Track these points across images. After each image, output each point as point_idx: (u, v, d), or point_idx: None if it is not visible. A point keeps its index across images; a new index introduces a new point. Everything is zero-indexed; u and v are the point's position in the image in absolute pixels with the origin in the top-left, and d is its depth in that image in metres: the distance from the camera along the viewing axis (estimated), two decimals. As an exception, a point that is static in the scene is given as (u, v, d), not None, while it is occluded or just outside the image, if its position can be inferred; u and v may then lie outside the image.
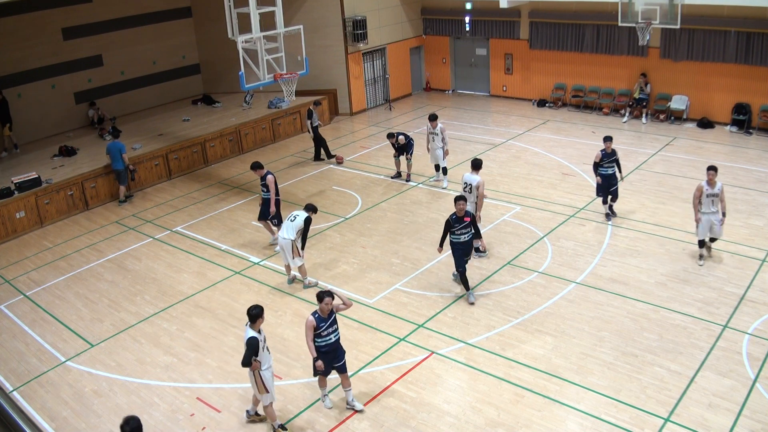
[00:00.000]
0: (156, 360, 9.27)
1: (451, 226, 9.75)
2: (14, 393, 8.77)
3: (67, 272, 12.12)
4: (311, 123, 16.49)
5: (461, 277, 10.10)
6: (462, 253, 9.90)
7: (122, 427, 5.90)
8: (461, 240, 9.81)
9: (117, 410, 8.25)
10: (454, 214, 9.75)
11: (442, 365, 8.69)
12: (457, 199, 9.78)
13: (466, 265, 10.07)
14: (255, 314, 7.38)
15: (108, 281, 11.69)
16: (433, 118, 14.27)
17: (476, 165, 11.49)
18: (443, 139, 14.17)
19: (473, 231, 9.90)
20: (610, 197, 12.35)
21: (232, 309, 10.46)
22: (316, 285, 10.91)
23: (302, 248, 10.63)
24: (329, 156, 16.94)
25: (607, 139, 12.09)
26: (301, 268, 10.78)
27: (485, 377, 8.38)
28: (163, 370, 9.02)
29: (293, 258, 10.57)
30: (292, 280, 11.09)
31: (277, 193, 11.94)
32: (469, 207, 11.04)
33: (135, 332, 9.97)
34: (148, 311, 10.58)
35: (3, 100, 16.58)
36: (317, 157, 16.93)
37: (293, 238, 10.41)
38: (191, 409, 8.24)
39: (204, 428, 7.91)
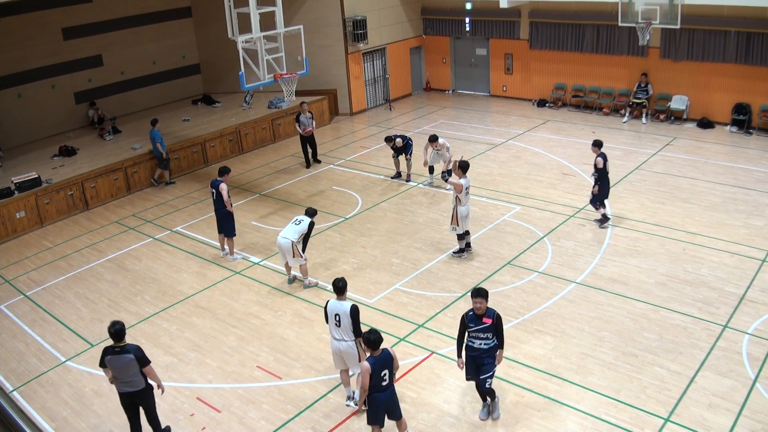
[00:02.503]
0: (156, 360, 9.24)
1: (465, 326, 7.35)
2: (14, 393, 8.77)
3: (67, 272, 12.12)
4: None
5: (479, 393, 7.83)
6: (474, 365, 7.44)
7: (108, 329, 7.03)
8: (474, 346, 7.34)
9: (117, 410, 8.23)
10: (471, 310, 7.36)
11: (442, 365, 8.69)
12: (475, 294, 7.26)
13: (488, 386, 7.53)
14: (342, 286, 7.64)
15: (108, 281, 11.69)
16: (433, 139, 14.11)
17: (465, 167, 11.36)
18: (449, 152, 14.17)
19: (496, 340, 7.35)
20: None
21: (232, 309, 10.47)
22: (316, 285, 10.93)
23: (303, 250, 10.68)
24: (308, 164, 16.68)
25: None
26: (302, 268, 10.79)
27: (485, 377, 8.37)
28: (163, 370, 9.01)
29: (294, 258, 10.59)
30: (293, 280, 11.11)
31: (222, 206, 11.84)
32: (466, 207, 11.04)
33: (135, 332, 9.97)
34: (148, 311, 10.58)
35: None
36: (309, 163, 16.70)
37: (295, 240, 10.45)
38: (191, 409, 8.25)
39: (204, 428, 7.91)
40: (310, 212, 10.86)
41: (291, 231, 10.50)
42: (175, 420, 8.04)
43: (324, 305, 7.79)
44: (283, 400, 8.26)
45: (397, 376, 8.41)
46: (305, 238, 10.68)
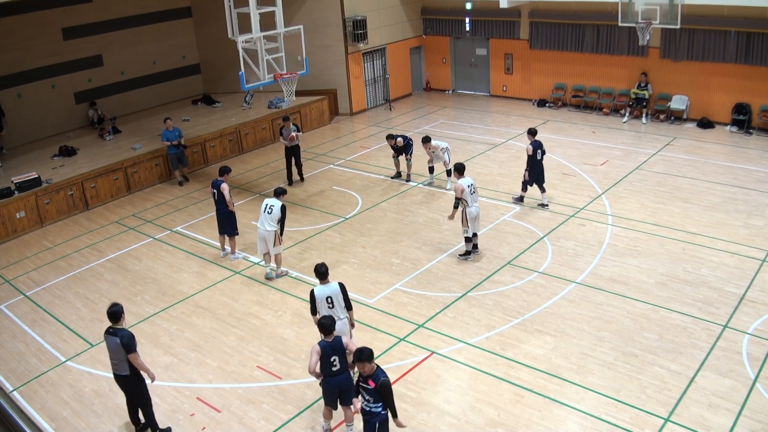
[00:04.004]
0: (156, 360, 9.27)
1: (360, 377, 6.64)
2: (14, 393, 8.77)
3: (67, 272, 12.12)
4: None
5: None
6: (365, 426, 6.67)
7: (107, 310, 7.40)
8: (362, 405, 6.61)
9: (117, 410, 8.26)
10: None
11: (442, 365, 8.69)
12: (356, 356, 6.45)
13: None
14: (325, 271, 7.95)
15: (108, 281, 11.69)
16: (426, 140, 14.21)
17: (460, 169, 11.44)
18: (445, 153, 14.17)
19: (382, 407, 6.48)
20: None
21: (232, 309, 10.47)
22: (286, 274, 11.27)
23: (281, 235, 10.98)
24: (290, 181, 15.59)
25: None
26: (277, 257, 11.11)
27: (485, 377, 8.38)
28: (163, 370, 9.02)
29: (274, 246, 10.88)
30: (272, 274, 11.33)
31: (224, 206, 11.80)
32: (474, 208, 11.03)
33: (135, 332, 9.82)
34: (148, 311, 10.58)
35: None
36: (291, 180, 15.62)
37: (275, 229, 10.74)
38: (191, 409, 8.25)
39: (204, 428, 7.91)
40: (278, 191, 10.96)
41: (267, 221, 10.74)
42: (175, 420, 8.04)
43: (310, 294, 7.97)
44: (283, 400, 8.26)
45: (396, 376, 8.46)
46: (282, 223, 10.88)
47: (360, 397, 6.63)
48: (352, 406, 7.05)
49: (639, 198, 13.38)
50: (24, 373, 9.22)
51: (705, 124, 17.69)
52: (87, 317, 10.56)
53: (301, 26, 13.40)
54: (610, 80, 19.43)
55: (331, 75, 20.67)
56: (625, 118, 18.70)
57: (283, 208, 10.80)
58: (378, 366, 6.50)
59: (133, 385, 7.51)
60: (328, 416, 7.51)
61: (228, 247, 12.16)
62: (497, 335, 9.22)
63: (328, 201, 14.42)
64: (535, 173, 12.91)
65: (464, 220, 11.05)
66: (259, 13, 12.64)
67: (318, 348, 6.94)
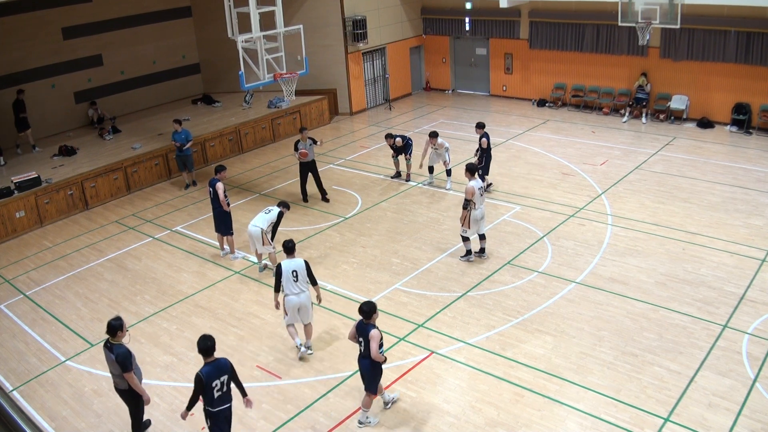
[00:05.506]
0: (156, 360, 9.27)
1: None
2: (14, 393, 8.77)
3: (67, 272, 12.12)
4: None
5: None
6: None
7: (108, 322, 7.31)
8: None
9: (117, 410, 8.25)
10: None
11: (442, 365, 8.69)
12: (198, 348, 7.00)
13: None
14: (292, 246, 8.76)
15: (108, 281, 11.69)
16: (433, 135, 14.15)
17: (473, 169, 11.34)
18: (447, 153, 14.18)
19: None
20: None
21: (231, 309, 10.47)
22: None
23: (272, 239, 11.12)
24: (305, 198, 14.49)
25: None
26: (271, 256, 11.21)
27: (485, 377, 8.38)
28: (163, 370, 9.03)
29: (263, 245, 11.02)
30: (264, 268, 11.53)
31: (219, 205, 11.85)
32: (479, 210, 11.00)
33: (135, 332, 9.95)
34: (148, 311, 10.58)
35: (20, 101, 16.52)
36: (306, 197, 14.49)
37: (264, 228, 10.88)
38: (191, 408, 8.23)
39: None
40: (281, 203, 11.30)
41: (261, 219, 10.97)
42: (176, 420, 8.04)
43: (276, 268, 8.66)
44: (283, 400, 8.26)
45: (396, 376, 8.46)
46: (274, 227, 11.12)
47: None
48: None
49: (639, 198, 13.38)
50: (24, 373, 9.22)
51: (705, 123, 17.69)
52: (87, 317, 10.57)
53: (301, 26, 13.41)
54: (610, 80, 19.42)
55: (331, 75, 20.67)
56: (625, 118, 18.70)
57: (281, 215, 11.16)
58: (214, 362, 6.94)
59: (128, 398, 7.43)
60: (367, 405, 7.62)
61: (227, 246, 12.18)
62: (497, 335, 9.23)
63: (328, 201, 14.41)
64: (488, 162, 13.59)
65: (466, 221, 10.97)
66: (259, 13, 12.65)
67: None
